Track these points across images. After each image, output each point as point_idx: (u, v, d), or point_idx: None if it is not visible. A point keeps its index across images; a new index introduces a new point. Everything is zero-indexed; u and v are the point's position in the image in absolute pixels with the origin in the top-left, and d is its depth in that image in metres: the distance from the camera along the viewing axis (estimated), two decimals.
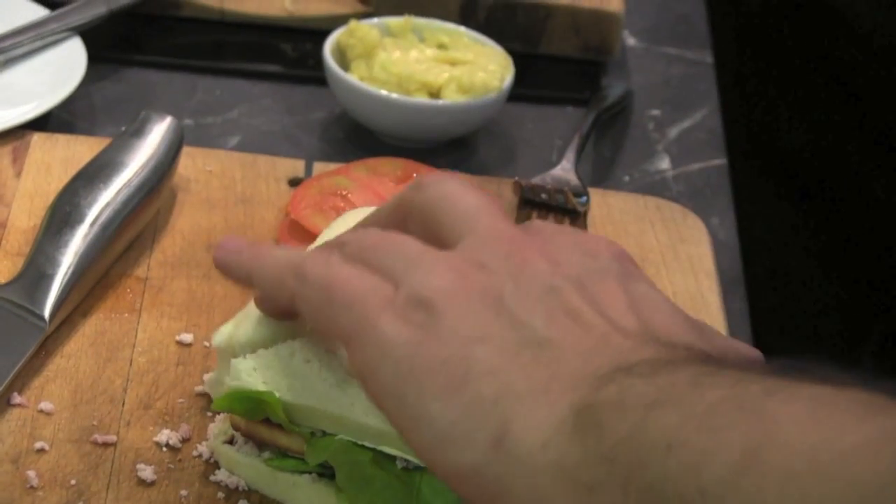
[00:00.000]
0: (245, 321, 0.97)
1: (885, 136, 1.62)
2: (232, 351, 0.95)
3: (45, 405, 0.98)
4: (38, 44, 1.27)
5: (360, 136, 1.29)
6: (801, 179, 1.66)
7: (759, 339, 1.20)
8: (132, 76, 1.31)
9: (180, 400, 1.00)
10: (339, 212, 1.11)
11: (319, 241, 1.08)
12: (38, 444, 0.94)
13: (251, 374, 0.93)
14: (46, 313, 1.03)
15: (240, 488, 0.94)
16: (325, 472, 0.90)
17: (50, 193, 1.11)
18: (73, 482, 0.92)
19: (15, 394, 0.98)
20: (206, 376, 0.99)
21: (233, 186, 1.20)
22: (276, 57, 1.37)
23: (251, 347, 0.95)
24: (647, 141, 1.36)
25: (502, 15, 1.35)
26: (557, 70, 1.37)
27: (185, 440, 0.97)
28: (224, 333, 0.95)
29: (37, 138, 1.21)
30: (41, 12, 1.30)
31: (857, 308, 1.69)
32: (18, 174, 1.17)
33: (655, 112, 1.36)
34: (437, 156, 1.26)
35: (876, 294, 1.67)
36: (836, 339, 1.70)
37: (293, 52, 1.35)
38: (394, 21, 1.33)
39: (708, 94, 1.41)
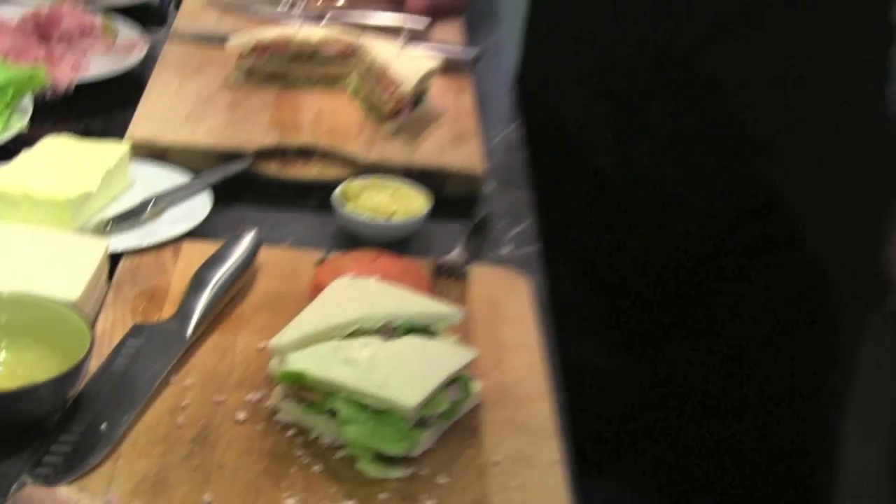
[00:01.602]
0: (286, 334, 0.97)
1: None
2: (279, 350, 0.96)
3: (188, 381, 0.98)
4: (187, 193, 1.26)
5: (352, 239, 1.27)
6: (579, 253, 1.65)
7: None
8: (236, 210, 1.30)
9: (259, 377, 1.00)
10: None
11: (323, 294, 1.08)
12: (184, 402, 0.95)
13: (296, 362, 0.94)
14: (188, 335, 1.02)
15: (289, 423, 0.94)
16: (334, 413, 0.90)
17: (192, 270, 1.09)
18: (201, 422, 0.92)
19: (172, 376, 0.97)
20: (270, 363, 0.97)
21: (288, 265, 1.19)
22: (311, 198, 1.34)
23: (290, 348, 0.96)
24: (499, 238, 1.34)
25: (425, 175, 1.34)
26: (453, 203, 1.34)
27: (262, 398, 0.96)
28: (274, 341, 0.96)
29: (186, 242, 1.19)
30: (189, 177, 1.28)
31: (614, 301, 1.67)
32: (176, 260, 1.16)
33: (502, 223, 1.35)
34: (393, 248, 1.22)
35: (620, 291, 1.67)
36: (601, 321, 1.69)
37: (318, 196, 1.31)
38: (370, 179, 1.30)
39: (529, 213, 1.39)
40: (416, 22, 1.70)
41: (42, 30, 1.53)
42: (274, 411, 0.95)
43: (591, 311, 1.69)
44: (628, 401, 1.70)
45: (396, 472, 0.91)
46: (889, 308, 1.77)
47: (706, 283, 1.62)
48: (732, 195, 1.57)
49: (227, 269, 1.10)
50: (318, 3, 1.76)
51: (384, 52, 1.48)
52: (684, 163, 1.59)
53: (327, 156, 1.38)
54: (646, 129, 1.59)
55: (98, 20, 1.57)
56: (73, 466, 0.87)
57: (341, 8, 1.76)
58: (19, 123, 1.34)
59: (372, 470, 0.90)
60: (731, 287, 1.63)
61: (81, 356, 0.91)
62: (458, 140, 1.44)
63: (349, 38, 1.54)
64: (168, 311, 1.07)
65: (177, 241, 1.19)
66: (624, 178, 1.63)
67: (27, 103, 1.37)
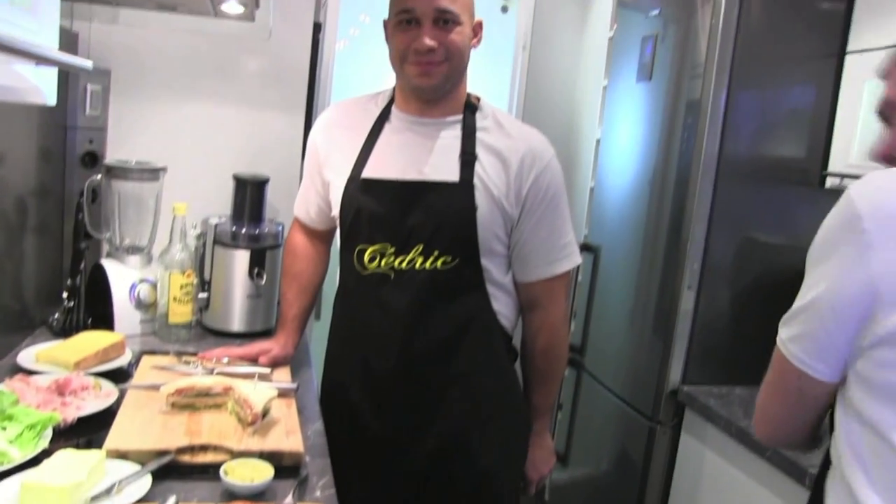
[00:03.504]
0: None
1: None
2: None
3: None
4: (137, 476, 1.23)
5: (231, 495, 1.21)
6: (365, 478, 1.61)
7: None
8: (166, 483, 1.23)
9: None
10: None
11: None
12: None
13: None
14: None
15: None
16: None
17: None
18: None
19: None
20: None
21: None
22: (209, 473, 1.27)
23: None
24: (314, 487, 1.28)
25: (271, 455, 1.30)
26: (287, 469, 1.30)
27: None
28: None
29: None
30: (139, 467, 1.24)
31: None
32: None
33: (314, 478, 1.29)
34: (254, 498, 1.19)
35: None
36: None
37: (212, 472, 1.25)
38: (240, 460, 1.27)
39: (329, 472, 1.34)
40: (263, 370, 1.72)
41: (60, 388, 1.49)
42: None
43: None
44: None
45: None
46: (528, 494, 1.81)
47: (428, 482, 1.60)
48: (438, 436, 1.58)
49: None
50: (212, 363, 1.75)
51: (245, 388, 1.48)
52: (412, 408, 1.58)
53: (217, 448, 1.35)
54: (393, 407, 1.59)
55: (91, 380, 1.54)
56: None
57: (224, 365, 1.75)
58: (43, 444, 1.30)
59: None
60: (440, 483, 1.60)
61: None
62: (289, 434, 1.42)
63: (227, 382, 1.52)
64: None
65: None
66: (383, 432, 1.61)
67: (48, 432, 1.33)
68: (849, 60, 2.00)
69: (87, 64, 1.34)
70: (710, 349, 2.18)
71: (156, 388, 1.52)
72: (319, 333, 2.16)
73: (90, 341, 1.73)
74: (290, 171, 2.39)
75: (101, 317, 1.93)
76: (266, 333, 2.05)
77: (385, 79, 1.64)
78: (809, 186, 2.12)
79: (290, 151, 2.44)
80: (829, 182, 2.08)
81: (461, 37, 1.48)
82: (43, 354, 1.68)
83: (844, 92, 2.03)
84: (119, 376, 1.67)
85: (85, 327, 1.92)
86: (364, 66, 3.30)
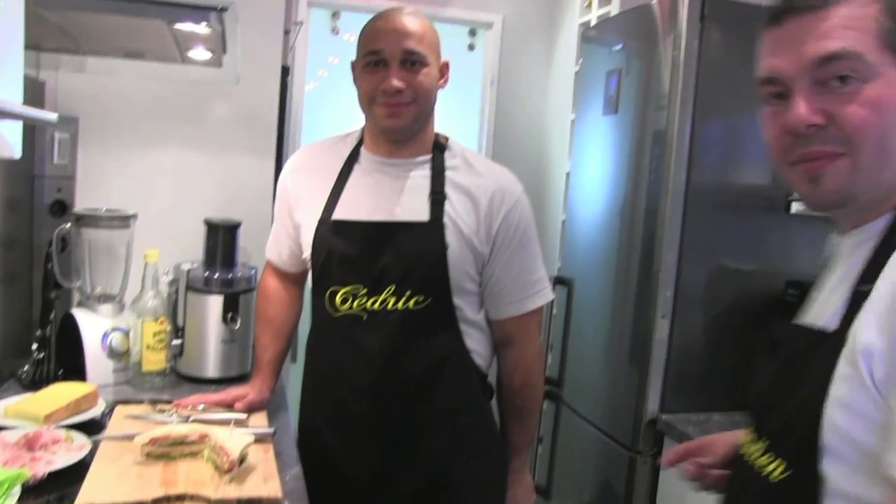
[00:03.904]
0: None
1: None
2: None
3: None
4: None
5: None
6: None
7: None
8: None
9: None
10: None
11: None
12: None
13: None
14: None
15: None
16: None
17: None
18: None
19: None
20: None
21: None
22: None
23: None
24: None
25: (249, 503, 1.28)
26: None
27: None
28: None
29: None
30: None
31: None
32: None
33: None
34: None
35: None
36: None
37: None
38: None
39: None
40: (239, 416, 1.71)
41: (30, 443, 1.46)
42: None
43: None
44: None
45: None
46: None
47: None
48: (415, 477, 1.56)
49: None
50: (187, 411, 1.73)
51: (222, 434, 1.46)
52: (389, 450, 1.56)
53: (193, 498, 1.33)
54: (369, 449, 1.58)
55: (63, 433, 1.51)
56: None
57: (199, 412, 1.73)
58: (10, 503, 1.26)
59: None
60: None
61: None
62: (266, 480, 1.41)
63: (203, 429, 1.51)
64: None
65: None
66: (360, 475, 1.59)
67: (17, 490, 1.29)
68: None
69: (52, 117, 1.33)
70: (686, 377, 2.20)
71: (130, 438, 1.49)
72: (295, 376, 2.15)
73: (61, 393, 1.69)
74: (261, 215, 2.39)
75: (73, 367, 1.91)
76: (241, 379, 2.03)
77: (355, 119, 1.66)
78: (776, 212, 2.16)
79: (261, 195, 2.45)
80: (795, 207, 2.12)
81: (428, 78, 1.51)
82: (11, 409, 1.64)
83: None
84: (92, 428, 1.63)
85: (56, 379, 1.89)
86: (334, 107, 3.33)
